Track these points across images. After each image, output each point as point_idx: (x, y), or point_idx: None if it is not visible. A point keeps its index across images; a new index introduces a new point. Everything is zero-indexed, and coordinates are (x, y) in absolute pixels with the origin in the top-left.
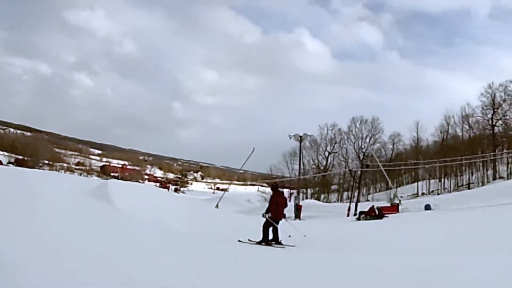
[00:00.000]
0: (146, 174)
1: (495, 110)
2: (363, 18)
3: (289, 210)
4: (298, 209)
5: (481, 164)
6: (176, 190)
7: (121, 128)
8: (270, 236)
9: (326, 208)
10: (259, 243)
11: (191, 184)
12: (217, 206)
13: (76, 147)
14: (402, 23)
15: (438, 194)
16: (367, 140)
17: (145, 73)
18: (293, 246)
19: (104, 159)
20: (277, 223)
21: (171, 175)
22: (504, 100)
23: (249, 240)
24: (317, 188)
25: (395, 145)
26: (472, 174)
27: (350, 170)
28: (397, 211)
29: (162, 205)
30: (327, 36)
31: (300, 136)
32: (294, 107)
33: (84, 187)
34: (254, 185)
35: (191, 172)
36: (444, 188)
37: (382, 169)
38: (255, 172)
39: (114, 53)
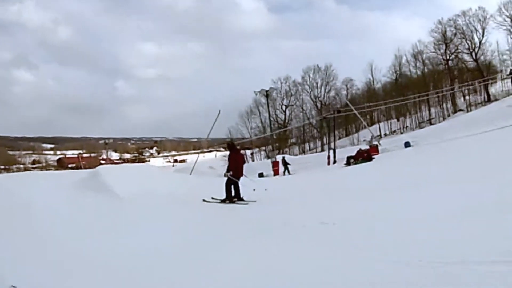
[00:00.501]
0: (103, 159)
1: (447, 45)
2: None
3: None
4: (285, 164)
5: (437, 99)
6: None
7: (69, 118)
8: (233, 194)
9: (302, 160)
10: (223, 201)
11: (149, 160)
12: (190, 173)
13: (28, 145)
14: None
15: (401, 133)
16: (322, 88)
17: (84, 57)
18: (255, 201)
19: (58, 152)
20: (238, 179)
21: (127, 155)
22: (455, 34)
23: (212, 198)
24: (276, 144)
25: (349, 90)
26: (430, 110)
27: (324, 117)
28: (378, 152)
29: (159, 183)
30: None
31: (267, 91)
32: (239, 67)
33: (70, 181)
34: (211, 151)
35: (146, 149)
36: (405, 127)
37: (356, 112)
38: (210, 138)
39: (49, 43)
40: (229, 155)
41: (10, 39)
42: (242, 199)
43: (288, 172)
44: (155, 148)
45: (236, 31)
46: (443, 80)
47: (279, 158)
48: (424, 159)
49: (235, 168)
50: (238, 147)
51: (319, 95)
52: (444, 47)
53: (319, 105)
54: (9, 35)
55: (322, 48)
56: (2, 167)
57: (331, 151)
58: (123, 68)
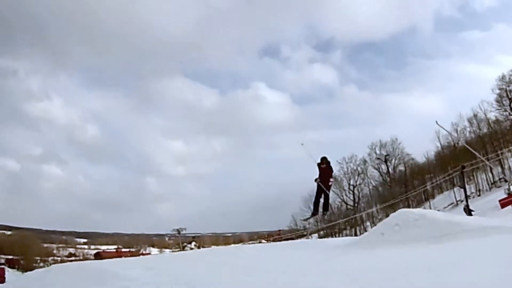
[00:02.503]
0: (143, 254)
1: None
2: (314, 59)
3: None
4: None
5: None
6: None
7: (100, 213)
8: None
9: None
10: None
11: None
12: None
13: (60, 239)
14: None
15: (479, 195)
16: (392, 162)
17: (112, 154)
18: None
19: (92, 247)
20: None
21: (167, 251)
22: None
23: None
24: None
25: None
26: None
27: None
28: None
29: None
30: (283, 84)
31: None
32: (266, 159)
33: None
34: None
35: (185, 244)
36: (479, 190)
37: (482, 158)
38: (249, 231)
39: (78, 140)
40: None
41: (39, 135)
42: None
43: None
44: (193, 243)
45: (262, 124)
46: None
47: None
48: None
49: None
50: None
51: (385, 171)
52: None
53: (388, 179)
54: (38, 131)
55: (358, 133)
56: (38, 258)
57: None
58: (151, 165)
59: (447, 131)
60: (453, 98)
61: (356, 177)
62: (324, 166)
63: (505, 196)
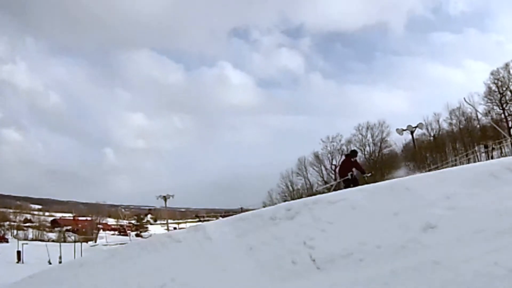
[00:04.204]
0: (100, 223)
1: (502, 93)
2: (282, 44)
3: None
4: None
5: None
6: (138, 236)
7: (56, 182)
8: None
9: None
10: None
11: (147, 227)
12: None
13: (15, 204)
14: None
15: None
16: (376, 144)
17: (73, 124)
18: None
19: (47, 214)
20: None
21: (123, 222)
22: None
23: None
24: None
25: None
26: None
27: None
28: None
29: None
30: (249, 66)
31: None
32: (227, 140)
33: None
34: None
35: (142, 215)
36: None
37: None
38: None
39: (40, 107)
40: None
41: (1, 98)
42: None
43: None
44: (149, 216)
45: (225, 104)
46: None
47: None
48: None
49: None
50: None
51: (372, 150)
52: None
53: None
54: (1, 94)
55: (320, 121)
56: None
57: None
58: (112, 137)
59: (474, 107)
60: (417, 96)
61: (338, 156)
62: (354, 160)
63: None
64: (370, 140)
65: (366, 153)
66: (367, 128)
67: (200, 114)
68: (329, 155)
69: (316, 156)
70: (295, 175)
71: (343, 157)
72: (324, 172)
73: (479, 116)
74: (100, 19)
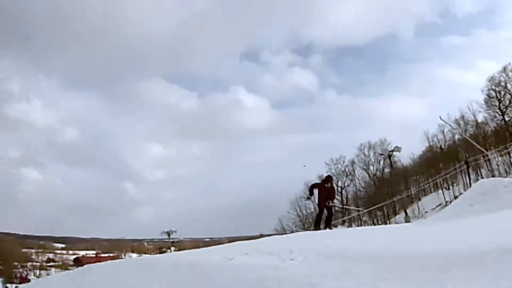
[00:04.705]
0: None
1: (500, 100)
2: (294, 63)
3: None
4: None
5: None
6: None
7: (77, 218)
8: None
9: None
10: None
11: None
12: None
13: (38, 244)
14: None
15: None
16: (379, 162)
17: (91, 157)
18: None
19: (70, 252)
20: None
21: (147, 256)
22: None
23: None
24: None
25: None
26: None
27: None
28: None
29: None
30: (262, 88)
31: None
32: (245, 164)
33: None
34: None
35: (164, 249)
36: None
37: (484, 150)
38: (228, 236)
39: (57, 143)
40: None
41: (17, 137)
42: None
43: None
44: (173, 248)
45: (240, 128)
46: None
47: None
48: None
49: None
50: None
51: (375, 172)
52: (497, 103)
53: (376, 182)
54: (16, 133)
55: (339, 136)
56: (16, 263)
57: None
58: (130, 168)
59: (449, 125)
60: (433, 102)
61: (344, 178)
62: (329, 186)
63: None
64: (373, 159)
65: (370, 172)
66: (369, 147)
67: (217, 139)
68: (334, 178)
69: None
70: (303, 199)
71: (318, 182)
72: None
73: (457, 131)
74: (110, 50)
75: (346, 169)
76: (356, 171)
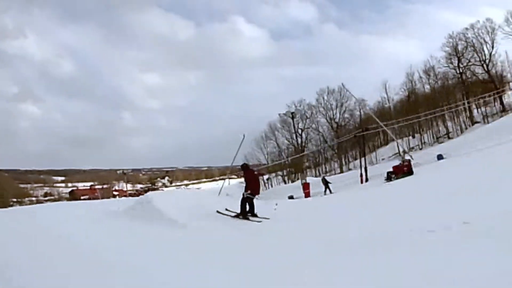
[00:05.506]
0: (116, 190)
1: (459, 58)
2: None
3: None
4: (326, 183)
5: (453, 113)
6: None
7: (78, 150)
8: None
9: (333, 180)
10: (237, 215)
11: (163, 190)
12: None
13: (38, 178)
14: None
15: (420, 149)
16: (337, 110)
17: (88, 89)
18: (268, 218)
19: (70, 185)
20: (254, 197)
21: (139, 186)
22: (466, 48)
23: (226, 209)
24: (292, 169)
25: (361, 110)
26: (447, 125)
27: (355, 135)
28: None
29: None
30: (261, 19)
31: (292, 113)
32: (242, 94)
33: (113, 210)
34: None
35: (158, 179)
36: (424, 142)
37: (386, 128)
38: (220, 166)
39: (54, 76)
40: (245, 176)
41: (14, 73)
42: (256, 216)
43: (330, 191)
44: (166, 178)
45: (238, 58)
46: (456, 94)
47: (309, 180)
48: (465, 168)
49: (252, 187)
50: (256, 172)
51: (334, 117)
52: (456, 61)
53: (334, 126)
54: (14, 69)
55: (334, 72)
56: (15, 200)
57: (363, 170)
58: (126, 99)
59: (353, 96)
60: (430, 45)
61: (304, 120)
62: (249, 172)
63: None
64: (334, 104)
65: (328, 118)
66: (328, 93)
67: (214, 69)
68: (295, 118)
69: (284, 120)
70: (264, 139)
71: (246, 171)
72: (292, 137)
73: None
74: None
75: (306, 113)
76: (316, 115)
